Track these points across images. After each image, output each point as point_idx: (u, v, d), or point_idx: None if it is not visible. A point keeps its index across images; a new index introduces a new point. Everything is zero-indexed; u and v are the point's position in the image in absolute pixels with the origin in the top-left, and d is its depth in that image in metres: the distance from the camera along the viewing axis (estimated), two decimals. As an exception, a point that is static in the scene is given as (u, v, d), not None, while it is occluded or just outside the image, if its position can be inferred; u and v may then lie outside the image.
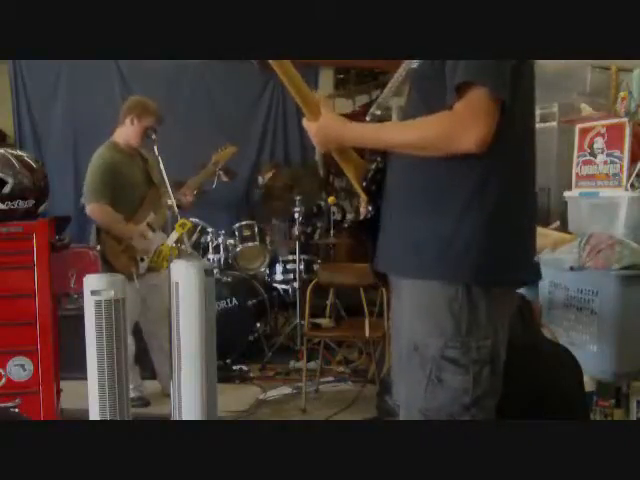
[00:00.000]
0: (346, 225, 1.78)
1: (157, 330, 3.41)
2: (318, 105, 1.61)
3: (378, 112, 1.62)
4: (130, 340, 3.34)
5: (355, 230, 1.78)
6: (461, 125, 1.37)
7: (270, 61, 1.50)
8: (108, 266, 3.18)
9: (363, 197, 1.67)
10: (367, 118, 1.60)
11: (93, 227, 3.39)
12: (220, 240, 4.56)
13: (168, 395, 2.79)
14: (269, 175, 5.03)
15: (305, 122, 1.65)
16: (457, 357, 1.45)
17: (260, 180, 5.04)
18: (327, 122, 1.59)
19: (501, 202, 1.44)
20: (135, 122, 3.35)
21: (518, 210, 1.48)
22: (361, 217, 1.68)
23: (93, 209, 3.30)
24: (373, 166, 1.64)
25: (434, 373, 1.46)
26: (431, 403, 1.48)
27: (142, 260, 3.32)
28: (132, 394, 3.22)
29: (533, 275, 1.57)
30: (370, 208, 1.65)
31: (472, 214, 1.43)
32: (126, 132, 3.40)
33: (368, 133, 1.57)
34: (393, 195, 1.58)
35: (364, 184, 1.65)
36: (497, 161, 1.42)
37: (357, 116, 6.48)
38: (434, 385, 1.47)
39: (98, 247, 3.08)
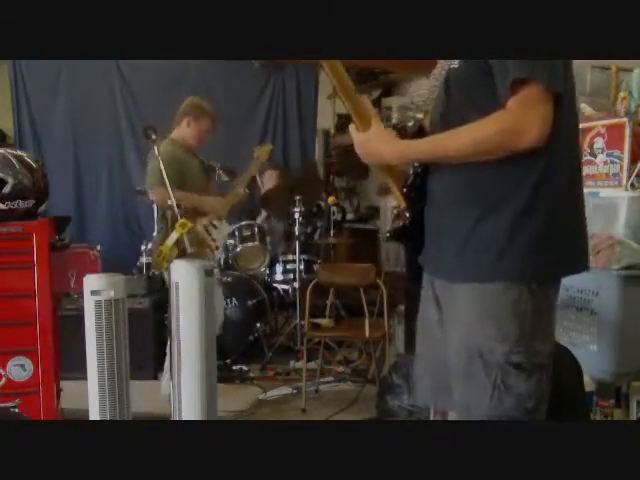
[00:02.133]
0: (387, 235, 1.74)
1: None
2: (369, 116, 1.57)
3: (420, 116, 1.56)
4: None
5: (397, 238, 1.74)
6: (521, 122, 1.35)
7: (324, 66, 1.48)
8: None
9: (402, 203, 1.64)
10: (409, 124, 1.56)
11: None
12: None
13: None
14: (270, 181, 5.03)
15: (351, 128, 1.60)
16: (522, 362, 1.42)
17: (260, 184, 5.03)
18: (373, 138, 1.55)
19: (559, 197, 1.43)
20: (192, 124, 3.49)
21: (574, 204, 1.48)
22: (401, 223, 1.65)
23: (156, 192, 3.34)
24: (411, 171, 1.61)
25: (500, 379, 1.43)
26: (497, 409, 1.45)
27: (217, 248, 3.40)
28: None
29: (585, 264, 1.54)
30: (408, 214, 1.62)
31: (533, 211, 1.40)
32: (183, 133, 3.51)
33: (419, 151, 1.52)
34: (441, 199, 1.54)
35: (404, 190, 1.62)
36: (557, 157, 1.41)
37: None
38: (500, 391, 1.44)
39: (98, 247, 3.09)
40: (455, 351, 1.52)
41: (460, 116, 1.44)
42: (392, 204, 5.41)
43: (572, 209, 1.47)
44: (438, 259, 1.57)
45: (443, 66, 1.56)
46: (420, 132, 1.59)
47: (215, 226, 3.45)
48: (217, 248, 3.43)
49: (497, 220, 1.42)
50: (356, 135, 1.58)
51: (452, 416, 1.66)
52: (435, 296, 1.61)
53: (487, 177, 1.43)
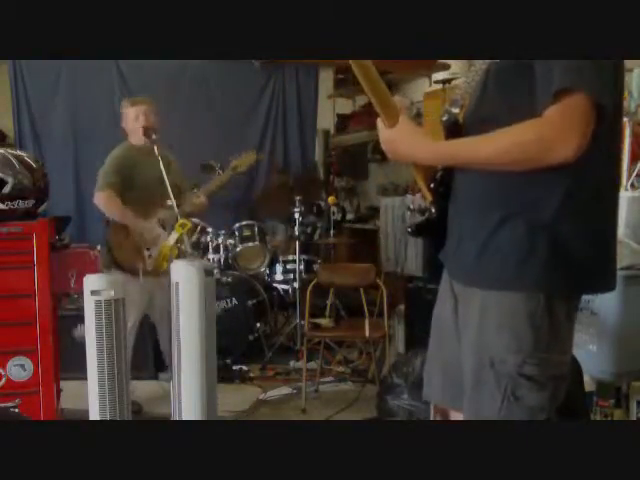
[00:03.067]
0: (409, 230, 1.70)
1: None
2: (397, 111, 1.49)
3: (456, 110, 1.50)
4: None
5: (419, 233, 1.68)
6: (557, 134, 1.27)
7: (351, 63, 1.40)
8: (113, 260, 3.24)
9: (427, 197, 1.59)
10: (443, 118, 1.49)
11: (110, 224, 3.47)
12: (220, 240, 4.56)
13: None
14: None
15: (379, 124, 1.53)
16: (535, 374, 1.39)
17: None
18: (401, 135, 1.49)
19: (590, 207, 1.37)
20: (127, 116, 3.47)
21: (605, 215, 1.42)
22: (424, 218, 1.60)
23: (99, 197, 3.39)
24: (441, 166, 1.55)
25: (509, 390, 1.40)
26: (505, 419, 1.42)
27: (150, 257, 3.35)
28: None
29: (611, 284, 1.48)
30: (433, 210, 1.57)
31: (557, 222, 1.35)
32: (130, 131, 3.50)
33: (448, 152, 1.46)
34: (464, 198, 1.50)
35: (432, 185, 1.56)
36: (588, 170, 1.34)
37: (357, 116, 6.50)
38: (509, 402, 1.40)
39: (98, 247, 3.09)
40: (467, 356, 1.49)
41: (494, 116, 1.38)
42: (395, 204, 5.39)
43: (600, 226, 1.41)
44: (456, 260, 1.53)
45: (481, 64, 1.49)
46: (455, 126, 1.51)
47: (164, 227, 3.43)
48: (150, 257, 3.37)
49: (519, 228, 1.37)
50: (382, 132, 1.52)
51: (455, 416, 1.65)
52: (453, 295, 1.58)
53: (513, 182, 1.37)
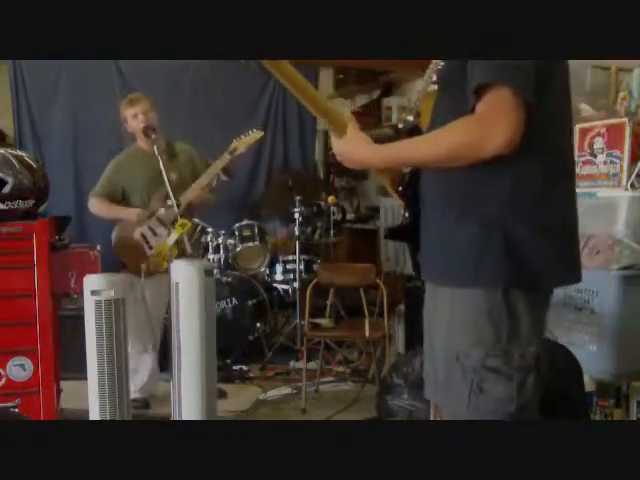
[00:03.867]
0: (384, 234, 1.77)
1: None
2: (344, 122, 1.57)
3: (410, 118, 1.57)
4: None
5: (393, 237, 1.76)
6: (486, 127, 1.32)
7: (280, 77, 1.47)
8: (120, 261, 3.27)
9: (399, 203, 1.64)
10: (399, 125, 1.56)
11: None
12: (220, 240, 4.56)
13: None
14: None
15: (332, 137, 1.60)
16: (498, 366, 1.42)
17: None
18: (349, 144, 1.55)
19: (538, 204, 1.41)
20: (127, 116, 3.45)
21: (559, 209, 1.45)
22: (398, 223, 1.65)
23: (89, 203, 3.48)
24: (408, 170, 1.60)
25: (476, 383, 1.44)
26: (475, 413, 1.45)
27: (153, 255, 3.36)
28: (137, 395, 3.26)
29: (572, 277, 1.53)
30: (407, 214, 1.62)
31: (509, 218, 1.39)
32: (131, 131, 3.49)
33: (390, 155, 1.51)
34: (428, 201, 1.55)
35: (399, 189, 1.62)
36: (533, 162, 1.39)
37: (357, 116, 6.51)
38: (476, 395, 1.44)
39: (98, 247, 3.09)
40: (438, 354, 1.54)
41: (444, 119, 1.43)
42: (395, 204, 5.41)
43: (555, 218, 1.44)
44: (425, 260, 1.59)
45: (433, 67, 1.56)
46: (412, 133, 1.58)
47: (155, 233, 3.43)
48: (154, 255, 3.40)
49: (473, 224, 1.42)
50: (334, 142, 1.59)
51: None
52: (433, 295, 1.62)
53: (463, 181, 1.43)
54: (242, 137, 3.63)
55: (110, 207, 3.43)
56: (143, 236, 3.38)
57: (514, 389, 1.43)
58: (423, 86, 1.62)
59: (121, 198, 3.45)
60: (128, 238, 3.39)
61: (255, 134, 3.68)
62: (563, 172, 1.50)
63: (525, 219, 1.40)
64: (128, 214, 3.41)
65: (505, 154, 1.32)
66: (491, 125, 1.31)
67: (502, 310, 1.41)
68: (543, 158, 1.41)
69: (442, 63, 1.51)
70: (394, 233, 1.72)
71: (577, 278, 1.53)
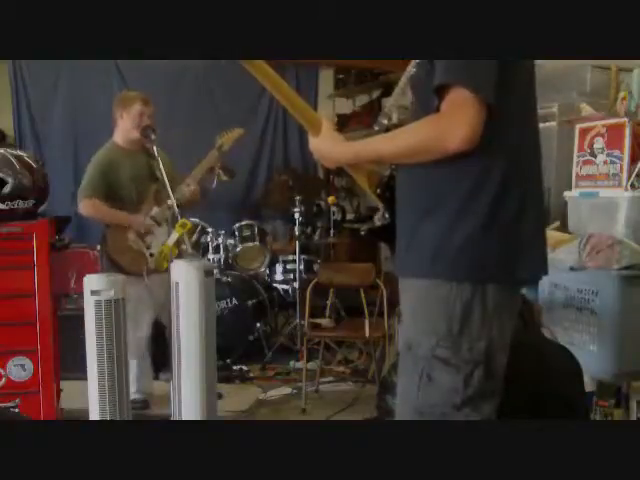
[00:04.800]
0: (362, 233, 1.82)
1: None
2: (318, 120, 1.63)
3: (385, 121, 1.63)
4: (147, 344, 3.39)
5: (372, 237, 1.81)
6: (445, 126, 1.37)
7: (257, 75, 1.51)
8: (113, 264, 3.21)
9: (378, 203, 1.68)
10: (375, 128, 1.63)
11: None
12: (220, 240, 4.56)
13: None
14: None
15: (309, 136, 1.66)
16: (447, 357, 1.45)
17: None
18: (322, 142, 1.62)
19: (499, 201, 1.44)
20: (124, 115, 3.37)
21: (518, 208, 1.47)
22: (377, 223, 1.69)
23: (81, 206, 3.32)
24: (386, 172, 1.65)
25: (425, 371, 1.47)
26: (424, 401, 1.48)
27: (151, 255, 3.33)
28: (137, 396, 3.25)
29: (532, 274, 1.55)
30: (387, 215, 1.66)
31: (468, 213, 1.43)
32: (121, 128, 3.41)
33: (360, 151, 1.58)
34: (400, 201, 1.60)
35: (378, 191, 1.67)
36: (494, 160, 1.42)
37: (357, 116, 6.50)
38: (426, 384, 1.47)
39: (98, 247, 3.09)
40: (399, 344, 1.58)
41: (415, 118, 1.47)
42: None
43: (517, 215, 1.46)
44: (396, 257, 1.62)
45: (407, 72, 1.60)
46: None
47: (150, 232, 3.41)
48: (151, 255, 3.32)
49: (435, 221, 1.46)
50: (310, 141, 1.64)
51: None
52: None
53: (427, 179, 1.47)
54: (225, 133, 3.65)
55: (109, 211, 3.31)
56: (139, 236, 3.36)
57: (461, 381, 1.45)
58: (398, 91, 1.67)
59: (108, 196, 3.33)
60: (123, 240, 3.31)
61: (236, 130, 3.70)
62: (528, 172, 1.53)
63: (482, 217, 1.43)
64: (129, 220, 3.32)
65: (464, 151, 1.37)
66: (450, 123, 1.36)
67: (456, 302, 1.44)
68: (508, 157, 1.44)
69: (414, 67, 1.55)
70: (373, 233, 1.77)
71: (535, 278, 1.57)
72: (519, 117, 1.48)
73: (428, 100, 1.43)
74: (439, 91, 1.37)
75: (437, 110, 1.39)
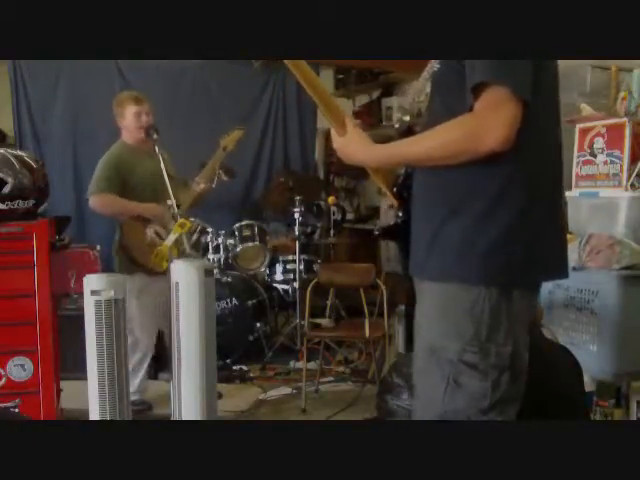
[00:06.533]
0: (376, 233, 1.83)
1: None
2: (343, 118, 1.61)
3: (407, 118, 1.63)
4: (151, 335, 3.38)
5: (386, 236, 1.80)
6: (482, 125, 1.34)
7: (295, 73, 1.51)
8: (130, 259, 3.24)
9: (395, 203, 1.67)
10: (395, 125, 1.63)
11: (117, 226, 3.41)
12: (220, 240, 4.56)
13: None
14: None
15: (332, 132, 1.64)
16: (476, 362, 1.44)
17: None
18: (350, 143, 1.59)
19: (525, 203, 1.42)
20: (120, 118, 3.40)
21: (543, 210, 1.46)
22: (391, 222, 1.68)
23: (94, 200, 3.31)
24: (403, 171, 1.64)
25: (452, 376, 1.45)
26: (449, 406, 1.46)
27: None
28: (134, 397, 3.24)
29: (556, 276, 1.55)
30: (400, 213, 1.65)
31: (495, 215, 1.41)
32: (124, 130, 3.44)
33: (386, 154, 1.55)
34: (418, 198, 1.58)
35: (395, 189, 1.65)
36: (521, 161, 1.40)
37: (357, 116, 6.50)
38: (452, 388, 1.46)
39: (98, 247, 3.08)
40: (417, 346, 1.57)
41: (439, 119, 1.44)
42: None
43: (542, 218, 1.45)
44: (412, 257, 1.61)
45: (428, 69, 1.58)
46: (408, 133, 1.61)
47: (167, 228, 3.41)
48: None
49: (460, 223, 1.44)
50: (336, 140, 1.63)
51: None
52: (418, 290, 1.65)
53: (452, 180, 1.44)
54: (226, 135, 3.70)
55: (128, 203, 3.30)
56: (157, 233, 3.36)
57: (489, 386, 1.45)
58: (419, 86, 1.64)
59: (119, 194, 3.33)
60: (141, 236, 3.30)
61: (237, 131, 3.74)
62: (553, 172, 1.52)
63: (509, 220, 1.41)
64: (150, 210, 3.31)
65: (499, 151, 1.34)
66: (488, 122, 1.33)
67: (484, 306, 1.43)
68: (534, 158, 1.43)
69: (437, 65, 1.53)
70: (387, 232, 1.75)
71: (562, 275, 1.56)
72: (546, 118, 1.46)
73: (452, 98, 1.42)
74: (473, 90, 1.34)
75: (470, 109, 1.36)
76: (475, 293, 1.43)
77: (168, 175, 3.17)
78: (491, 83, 1.32)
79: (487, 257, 1.41)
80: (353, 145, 1.59)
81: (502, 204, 1.41)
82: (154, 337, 3.45)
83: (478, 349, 1.43)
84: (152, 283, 3.29)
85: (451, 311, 1.46)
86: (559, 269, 1.54)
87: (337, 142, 1.62)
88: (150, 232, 3.34)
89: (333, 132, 1.63)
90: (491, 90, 1.33)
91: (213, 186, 3.95)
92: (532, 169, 1.43)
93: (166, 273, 3.19)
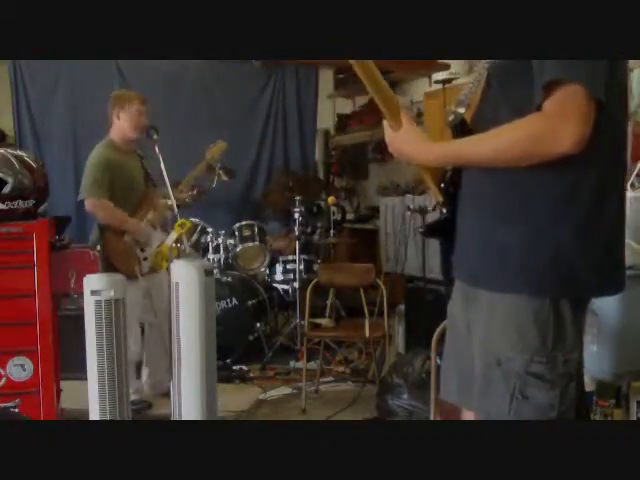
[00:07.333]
0: (421, 231, 1.78)
1: (163, 328, 3.40)
2: (400, 113, 1.52)
3: (462, 110, 1.52)
4: (136, 341, 3.36)
5: (430, 234, 1.74)
6: (555, 126, 1.26)
7: (352, 63, 1.43)
8: (110, 266, 3.19)
9: (438, 198, 1.60)
10: (449, 118, 1.52)
11: (94, 227, 3.37)
12: (220, 240, 4.56)
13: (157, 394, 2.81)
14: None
15: (385, 125, 1.56)
16: (543, 372, 1.39)
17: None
18: (404, 139, 1.52)
19: (592, 210, 1.35)
20: (121, 114, 3.35)
21: (609, 217, 1.39)
22: (436, 219, 1.61)
23: (94, 204, 3.26)
24: (449, 167, 1.57)
25: (518, 389, 1.40)
26: (515, 419, 1.42)
27: (145, 259, 3.32)
28: (132, 397, 3.24)
29: (619, 285, 1.48)
30: (445, 210, 1.58)
31: (560, 220, 1.34)
32: (118, 128, 3.38)
33: (444, 153, 1.48)
34: (473, 200, 1.50)
35: (442, 185, 1.58)
36: (590, 165, 1.33)
37: (357, 116, 6.51)
38: (519, 401, 1.41)
39: (98, 247, 3.08)
40: (477, 356, 1.50)
41: (496, 115, 1.38)
42: (395, 204, 5.38)
43: (606, 227, 1.38)
44: (461, 260, 1.54)
45: (484, 62, 1.50)
46: (462, 126, 1.51)
47: (154, 227, 3.40)
48: (145, 259, 3.31)
49: (519, 229, 1.37)
50: (389, 134, 1.55)
51: (467, 416, 1.63)
52: (464, 296, 1.58)
53: (513, 179, 1.37)
54: (212, 146, 3.78)
55: (120, 214, 3.27)
56: (135, 240, 3.34)
57: (557, 396, 1.40)
58: (474, 80, 1.56)
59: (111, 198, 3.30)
60: (120, 243, 3.27)
61: (220, 144, 3.82)
62: (619, 178, 1.45)
63: (574, 228, 1.35)
64: (137, 229, 3.30)
65: (572, 154, 1.27)
66: (561, 123, 1.26)
67: (549, 316, 1.38)
68: (603, 162, 1.36)
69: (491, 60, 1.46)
70: (432, 229, 1.68)
71: (621, 288, 1.48)
72: (615, 118, 1.38)
73: (514, 94, 1.35)
74: (545, 87, 1.27)
75: (538, 109, 1.29)
76: (539, 304, 1.37)
77: (145, 177, 3.19)
78: (565, 82, 1.25)
79: (551, 266, 1.35)
80: (407, 141, 1.51)
81: (569, 209, 1.34)
82: (139, 340, 3.43)
83: (546, 359, 1.39)
84: (130, 285, 3.22)
85: (515, 322, 1.40)
86: (620, 279, 1.47)
87: (389, 136, 1.55)
88: (128, 239, 3.31)
89: (386, 125, 1.55)
90: (564, 89, 1.25)
91: (213, 186, 3.97)
92: (603, 171, 1.36)
93: (143, 274, 3.22)
